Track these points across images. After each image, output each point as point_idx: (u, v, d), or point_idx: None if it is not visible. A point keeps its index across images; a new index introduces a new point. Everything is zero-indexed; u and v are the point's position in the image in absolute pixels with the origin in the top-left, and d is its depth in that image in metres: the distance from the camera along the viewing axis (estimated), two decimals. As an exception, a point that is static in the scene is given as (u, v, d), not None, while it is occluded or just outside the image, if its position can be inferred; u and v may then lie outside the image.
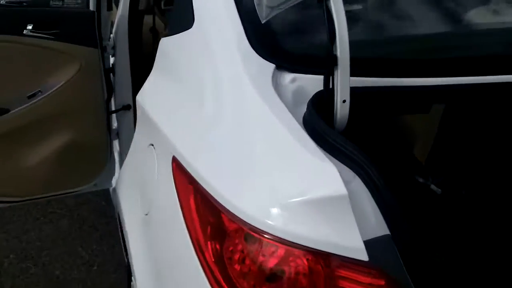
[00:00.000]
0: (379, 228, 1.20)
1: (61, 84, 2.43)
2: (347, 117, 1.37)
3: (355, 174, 1.24)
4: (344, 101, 1.35)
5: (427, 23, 1.72)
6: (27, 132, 2.45)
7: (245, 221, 1.21)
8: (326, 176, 1.18)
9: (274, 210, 1.19)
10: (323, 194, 1.17)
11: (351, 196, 1.18)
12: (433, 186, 2.36)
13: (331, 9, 1.30)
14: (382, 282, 1.17)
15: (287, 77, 1.45)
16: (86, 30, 2.41)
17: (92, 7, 2.45)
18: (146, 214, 1.64)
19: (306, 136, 1.29)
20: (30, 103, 2.41)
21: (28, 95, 2.41)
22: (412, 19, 1.71)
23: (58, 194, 2.63)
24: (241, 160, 1.31)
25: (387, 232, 1.21)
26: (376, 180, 1.23)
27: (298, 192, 1.18)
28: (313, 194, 1.17)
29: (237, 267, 1.24)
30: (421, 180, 2.32)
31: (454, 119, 2.29)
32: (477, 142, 2.30)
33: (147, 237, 1.63)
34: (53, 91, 2.43)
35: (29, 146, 2.48)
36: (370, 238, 1.18)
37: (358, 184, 1.23)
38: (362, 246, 1.15)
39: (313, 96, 1.39)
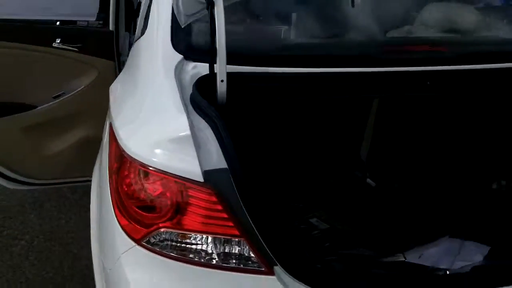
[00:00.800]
0: (220, 163, 1.61)
1: (81, 88, 2.99)
2: (225, 93, 1.80)
3: (208, 125, 1.67)
4: (222, 80, 1.79)
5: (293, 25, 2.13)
6: (51, 126, 3.01)
7: (132, 157, 1.67)
8: (181, 125, 1.62)
9: (150, 149, 1.65)
10: (177, 135, 1.61)
11: (203, 140, 1.62)
12: (368, 180, 2.70)
13: (215, 16, 1.75)
14: (214, 199, 1.57)
15: (190, 65, 1.93)
16: (104, 45, 2.96)
17: (111, 27, 3.00)
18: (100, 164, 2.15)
19: (179, 101, 1.73)
20: (55, 101, 2.98)
21: (53, 95, 2.98)
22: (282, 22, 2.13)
23: (75, 181, 3.16)
24: (137, 116, 1.79)
25: (226, 166, 1.61)
26: (221, 131, 1.65)
27: (164, 136, 1.64)
28: (172, 135, 1.62)
29: (126, 189, 1.69)
30: (359, 175, 2.67)
31: (384, 120, 2.64)
32: (405, 139, 2.63)
33: (98, 175, 2.13)
34: (74, 93, 2.99)
35: (52, 138, 3.04)
36: (212, 168, 1.59)
37: (209, 132, 1.66)
38: (199, 171, 1.56)
39: (197, 79, 1.85)
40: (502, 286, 1.81)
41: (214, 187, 1.64)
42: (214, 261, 1.69)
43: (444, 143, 2.69)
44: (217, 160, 1.68)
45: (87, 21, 2.99)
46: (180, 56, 1.98)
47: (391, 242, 2.31)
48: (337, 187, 2.71)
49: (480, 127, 2.62)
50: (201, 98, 1.78)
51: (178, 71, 1.92)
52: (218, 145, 1.69)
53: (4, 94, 2.88)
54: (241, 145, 2.10)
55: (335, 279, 1.89)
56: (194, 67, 1.94)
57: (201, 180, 1.64)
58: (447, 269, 2.07)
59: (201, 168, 1.64)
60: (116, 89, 2.24)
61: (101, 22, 2.99)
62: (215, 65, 1.81)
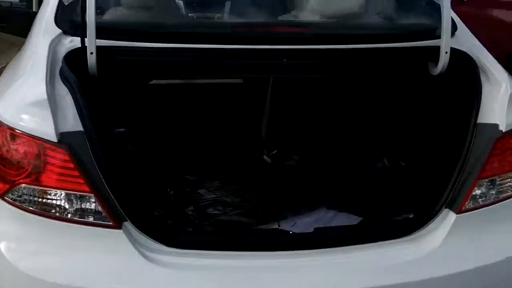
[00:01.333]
0: (77, 126, 1.79)
1: (3, 65, 3.13)
2: (95, 64, 1.97)
3: (68, 91, 1.83)
4: (91, 53, 1.94)
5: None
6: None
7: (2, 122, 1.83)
8: (40, 91, 1.83)
9: (14, 113, 1.84)
10: (35, 100, 1.78)
11: (63, 105, 1.81)
12: (265, 157, 2.87)
13: None
14: (67, 158, 1.74)
15: (68, 39, 2.07)
16: (27, 25, 3.11)
17: (35, 9, 3.16)
18: None
19: (44, 70, 1.90)
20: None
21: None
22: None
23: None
24: (8, 84, 1.97)
25: (82, 129, 1.79)
26: (79, 97, 1.82)
27: (25, 101, 1.83)
28: (31, 100, 1.80)
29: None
30: (257, 150, 2.85)
31: (279, 97, 2.81)
32: (298, 116, 2.81)
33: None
34: (-2, 69, 3.13)
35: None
36: (68, 130, 1.75)
37: (69, 98, 1.82)
38: (53, 133, 1.73)
39: (68, 51, 2.00)
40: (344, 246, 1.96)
41: (68, 148, 1.80)
42: (69, 215, 1.84)
43: (331, 120, 2.87)
44: (74, 123, 1.84)
45: (11, 2, 3.15)
46: (60, 31, 2.12)
47: (271, 213, 2.47)
48: (232, 162, 2.87)
49: (358, 105, 2.80)
50: (66, 68, 1.94)
51: (55, 44, 2.07)
52: (75, 110, 1.85)
53: None
54: (117, 113, 2.26)
55: (180, 234, 2.02)
56: (71, 41, 2.07)
57: (55, 140, 1.79)
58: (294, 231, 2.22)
59: (57, 130, 1.80)
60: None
61: (24, 3, 3.15)
62: (85, 38, 1.96)
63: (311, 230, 2.28)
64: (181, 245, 1.89)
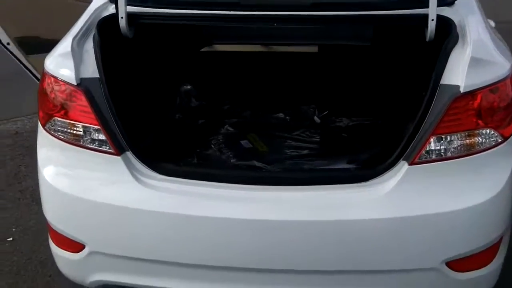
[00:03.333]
0: (94, 74, 2.32)
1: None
2: (126, 27, 2.49)
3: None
4: (121, 17, 2.45)
5: None
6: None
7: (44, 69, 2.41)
8: (66, 45, 2.38)
9: (51, 63, 2.40)
10: (64, 51, 2.32)
11: (85, 58, 2.37)
12: (315, 117, 3.25)
13: None
14: (83, 97, 2.26)
15: (112, 6, 2.58)
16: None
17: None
18: None
19: (77, 29, 2.48)
20: None
21: None
22: None
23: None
24: (59, 43, 2.53)
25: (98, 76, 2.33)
26: (97, 52, 2.35)
27: (58, 53, 2.41)
28: (61, 52, 2.37)
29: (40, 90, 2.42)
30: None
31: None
32: None
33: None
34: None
35: None
36: (86, 77, 2.30)
37: (92, 53, 2.35)
38: (73, 76, 2.30)
39: (104, 16, 2.51)
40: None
41: (84, 90, 2.32)
42: (84, 143, 2.36)
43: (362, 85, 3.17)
44: (92, 72, 2.36)
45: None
46: (107, 1, 2.65)
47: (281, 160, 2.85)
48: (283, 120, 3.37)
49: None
50: (96, 30, 2.45)
51: (100, 10, 2.60)
52: (95, 62, 2.37)
53: None
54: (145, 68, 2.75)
55: (169, 164, 2.45)
56: (114, 8, 2.59)
57: (75, 83, 2.33)
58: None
59: (77, 76, 2.33)
60: None
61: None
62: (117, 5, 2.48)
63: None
64: (169, 173, 2.33)
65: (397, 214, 2.16)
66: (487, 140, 2.23)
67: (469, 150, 2.22)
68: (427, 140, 2.18)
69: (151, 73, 3.05)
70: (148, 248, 2.29)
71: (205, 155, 2.98)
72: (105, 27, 2.52)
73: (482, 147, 2.23)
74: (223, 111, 3.42)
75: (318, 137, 3.23)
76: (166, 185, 2.30)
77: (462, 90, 2.17)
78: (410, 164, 2.19)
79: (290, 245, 2.19)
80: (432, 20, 2.35)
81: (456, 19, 2.42)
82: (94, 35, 2.45)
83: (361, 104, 3.34)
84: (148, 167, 2.33)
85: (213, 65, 3.59)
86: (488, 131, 2.23)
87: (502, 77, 2.25)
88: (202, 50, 3.65)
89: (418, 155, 2.19)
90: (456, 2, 2.50)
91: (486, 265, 2.29)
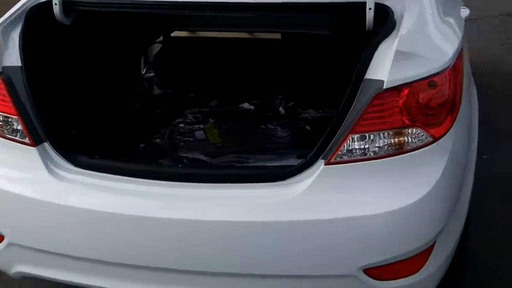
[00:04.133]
0: (17, 62, 2.25)
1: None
2: (61, 14, 2.43)
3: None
4: (55, 4, 2.41)
5: None
6: None
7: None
8: None
9: None
10: None
11: (11, 46, 2.32)
12: (280, 108, 3.14)
13: None
14: (2, 86, 2.22)
15: None
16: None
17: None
18: None
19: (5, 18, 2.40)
20: None
21: None
22: None
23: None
24: None
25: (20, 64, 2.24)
26: (21, 40, 2.29)
27: None
28: None
29: None
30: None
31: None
32: None
33: None
34: None
35: None
36: (8, 65, 2.24)
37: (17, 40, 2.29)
38: None
39: (34, 4, 2.45)
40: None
41: (4, 78, 2.26)
42: (3, 132, 2.31)
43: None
44: (15, 60, 2.29)
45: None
46: None
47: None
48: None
49: None
50: (24, 17, 2.39)
51: None
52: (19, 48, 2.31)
53: None
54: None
55: (85, 157, 2.36)
56: None
57: None
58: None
59: (0, 64, 2.27)
60: None
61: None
62: None
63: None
64: (83, 166, 2.25)
65: (307, 216, 2.03)
66: (415, 140, 2.07)
67: (394, 150, 2.06)
68: (345, 138, 2.03)
69: (101, 61, 2.97)
70: (60, 243, 2.23)
71: (154, 146, 2.90)
72: (40, 14, 2.45)
73: (409, 147, 2.07)
74: (186, 99, 3.32)
75: (279, 129, 3.10)
76: (79, 178, 2.23)
77: (384, 85, 2.00)
78: (326, 164, 2.05)
79: (192, 245, 2.08)
80: (370, 9, 2.19)
81: (398, 8, 2.23)
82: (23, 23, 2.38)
83: (327, 95, 3.18)
84: (65, 159, 2.26)
85: (178, 52, 3.49)
86: (415, 130, 2.06)
87: (432, 73, 2.07)
88: (171, 35, 3.55)
89: (335, 154, 2.04)
90: None
91: (413, 273, 2.13)
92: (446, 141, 2.12)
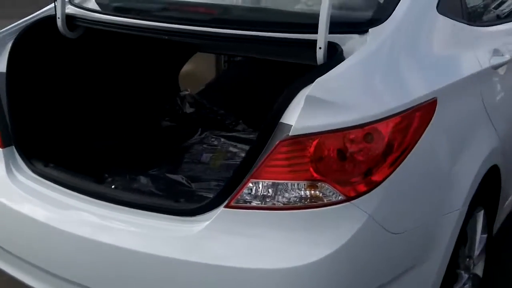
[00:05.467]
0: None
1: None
2: (64, 28, 2.59)
3: None
4: (58, 17, 2.59)
5: None
6: None
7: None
8: None
9: None
10: None
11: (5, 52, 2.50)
12: None
13: None
14: None
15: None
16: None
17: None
18: None
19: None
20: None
21: None
22: None
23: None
24: None
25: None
26: (10, 49, 2.48)
27: None
28: None
29: None
30: None
31: None
32: None
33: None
34: None
35: None
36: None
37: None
38: None
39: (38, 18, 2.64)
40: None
41: None
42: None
43: None
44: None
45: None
46: None
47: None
48: None
49: None
50: (26, 25, 2.59)
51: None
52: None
53: None
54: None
55: (42, 165, 2.43)
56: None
57: None
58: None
59: None
60: None
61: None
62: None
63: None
64: (37, 173, 2.39)
65: (191, 258, 1.94)
66: (322, 196, 1.88)
67: (299, 203, 1.89)
68: (245, 183, 1.91)
69: (108, 80, 3.06)
70: (5, 239, 2.38)
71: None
72: (43, 26, 2.64)
73: (315, 203, 1.88)
74: (215, 120, 3.33)
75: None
76: (30, 183, 2.36)
77: (290, 132, 1.86)
78: (225, 207, 1.95)
79: (83, 261, 2.12)
80: (320, 48, 2.03)
81: (352, 48, 2.05)
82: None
83: None
84: (27, 164, 2.41)
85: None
86: (323, 185, 1.87)
87: (352, 124, 1.86)
88: None
89: (234, 198, 1.93)
90: (381, 30, 2.10)
91: None
92: (367, 203, 1.89)
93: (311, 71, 1.95)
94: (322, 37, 1.99)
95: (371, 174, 1.89)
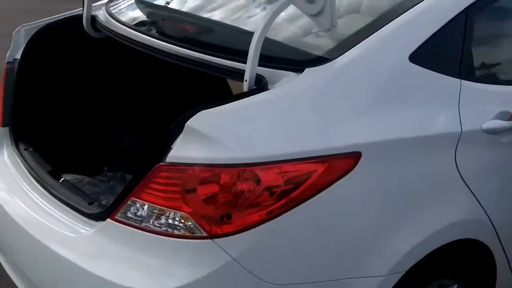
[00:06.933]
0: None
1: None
2: (89, 27, 2.79)
3: None
4: (84, 17, 2.81)
5: None
6: None
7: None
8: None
9: None
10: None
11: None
12: None
13: None
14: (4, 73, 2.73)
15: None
16: None
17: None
18: None
19: None
20: None
21: None
22: None
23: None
24: None
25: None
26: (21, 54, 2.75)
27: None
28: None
29: None
30: None
31: None
32: None
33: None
34: None
35: None
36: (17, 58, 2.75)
37: None
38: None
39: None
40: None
41: (9, 67, 2.77)
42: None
43: None
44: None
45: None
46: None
47: None
48: None
49: None
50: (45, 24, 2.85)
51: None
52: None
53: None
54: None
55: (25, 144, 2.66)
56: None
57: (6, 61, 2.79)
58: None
59: (12, 56, 2.80)
60: None
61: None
62: None
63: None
64: (18, 155, 2.63)
65: (72, 259, 2.03)
66: (187, 228, 1.86)
67: (169, 229, 1.89)
68: (126, 200, 1.96)
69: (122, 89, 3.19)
70: None
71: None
72: (67, 24, 2.88)
73: (181, 233, 1.87)
74: None
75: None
76: (7, 160, 2.62)
77: (167, 159, 1.86)
78: (110, 218, 2.00)
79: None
80: (246, 80, 1.99)
81: (278, 85, 1.98)
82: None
83: None
84: (12, 143, 2.67)
85: None
86: (189, 217, 1.85)
87: (223, 162, 1.82)
88: None
89: (117, 212, 1.98)
90: (317, 71, 2.01)
91: None
92: (232, 245, 1.83)
93: (218, 100, 1.92)
94: (248, 70, 1.94)
95: (242, 217, 1.82)
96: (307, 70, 2.00)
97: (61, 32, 2.87)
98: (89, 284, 1.96)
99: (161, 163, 1.86)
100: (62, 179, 2.48)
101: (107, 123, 3.17)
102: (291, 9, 2.14)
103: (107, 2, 2.95)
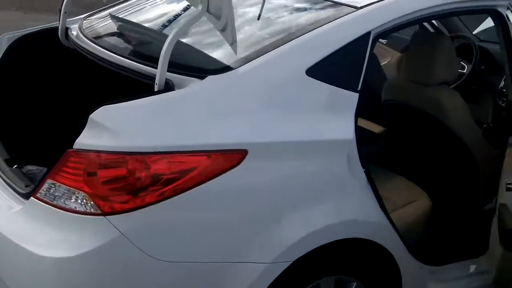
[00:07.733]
0: None
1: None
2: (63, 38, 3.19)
3: None
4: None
5: None
6: None
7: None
8: None
9: None
10: None
11: None
12: None
13: None
14: None
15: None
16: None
17: None
18: None
19: None
20: None
21: None
22: None
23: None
24: None
25: None
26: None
27: None
28: None
29: None
30: None
31: None
32: None
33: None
34: None
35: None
36: None
37: None
38: None
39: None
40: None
41: None
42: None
43: None
44: None
45: None
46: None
47: None
48: None
49: None
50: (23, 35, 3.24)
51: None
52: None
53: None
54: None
55: None
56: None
57: None
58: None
59: None
60: None
61: None
62: None
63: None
64: None
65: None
66: (88, 206, 2.18)
67: (75, 207, 2.21)
68: (44, 181, 2.28)
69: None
70: None
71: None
72: (45, 34, 3.27)
73: (80, 210, 2.19)
74: None
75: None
76: None
77: (74, 145, 2.19)
78: (33, 196, 2.33)
79: None
80: (156, 84, 2.31)
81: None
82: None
83: None
84: None
85: None
86: (87, 196, 2.17)
87: (118, 150, 2.14)
88: None
89: (38, 191, 2.30)
90: (215, 79, 2.32)
91: None
92: (121, 221, 2.14)
93: (126, 97, 2.24)
94: (158, 75, 2.26)
95: (134, 199, 2.13)
96: (209, 77, 2.30)
97: (39, 40, 3.25)
98: (10, 249, 2.29)
99: (69, 150, 2.18)
100: (15, 166, 2.82)
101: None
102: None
103: (84, 17, 3.33)
